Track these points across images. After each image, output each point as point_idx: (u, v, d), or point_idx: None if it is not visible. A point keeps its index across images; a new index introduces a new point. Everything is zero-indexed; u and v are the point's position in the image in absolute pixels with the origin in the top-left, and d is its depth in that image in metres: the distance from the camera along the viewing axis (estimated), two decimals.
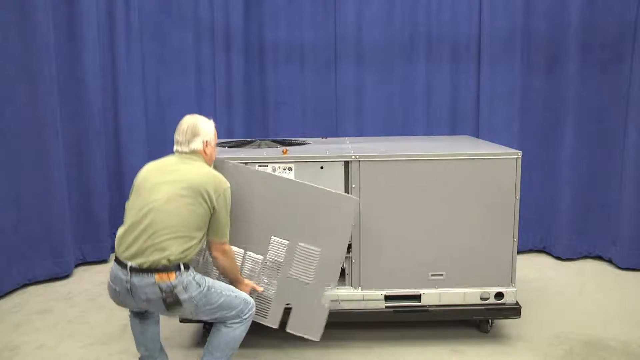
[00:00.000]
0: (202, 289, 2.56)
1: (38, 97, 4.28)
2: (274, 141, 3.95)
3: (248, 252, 3.02)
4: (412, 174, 3.22)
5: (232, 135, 5.53)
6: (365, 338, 3.43)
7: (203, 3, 5.45)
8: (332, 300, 3.28)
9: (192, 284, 2.53)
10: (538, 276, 4.53)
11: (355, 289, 3.31)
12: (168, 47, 5.47)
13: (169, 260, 2.47)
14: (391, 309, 3.29)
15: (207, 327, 3.39)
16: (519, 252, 3.77)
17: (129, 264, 2.48)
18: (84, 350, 3.33)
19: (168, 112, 5.62)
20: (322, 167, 3.23)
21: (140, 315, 2.80)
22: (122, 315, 3.79)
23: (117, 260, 2.55)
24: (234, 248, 2.93)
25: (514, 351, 3.28)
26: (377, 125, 5.25)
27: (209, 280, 2.65)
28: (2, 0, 4.06)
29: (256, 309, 2.83)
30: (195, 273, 2.59)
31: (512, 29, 4.85)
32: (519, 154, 3.22)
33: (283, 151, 3.35)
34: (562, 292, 4.18)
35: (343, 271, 3.38)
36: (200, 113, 5.69)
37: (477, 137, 4.87)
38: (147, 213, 2.52)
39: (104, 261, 4.96)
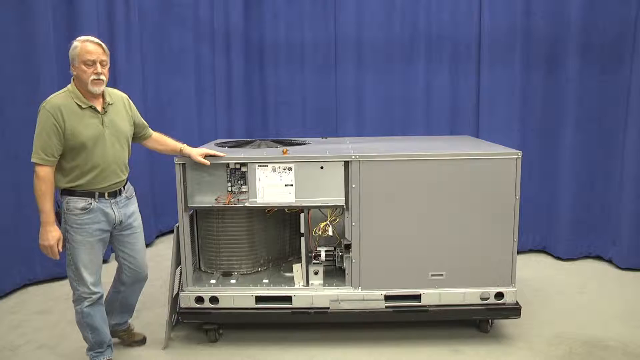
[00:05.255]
0: (67, 228, 2.82)
1: (38, 97, 4.26)
2: (274, 141, 3.95)
3: None
4: (412, 174, 3.22)
5: (232, 135, 5.54)
6: (365, 338, 3.43)
7: (203, 3, 5.46)
8: (332, 300, 3.30)
9: (61, 215, 2.82)
10: (538, 276, 4.53)
11: (355, 289, 3.31)
12: (168, 47, 5.47)
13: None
14: (391, 309, 3.29)
15: (207, 328, 3.40)
16: (519, 252, 3.77)
17: None
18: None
19: (168, 112, 5.62)
20: (322, 167, 3.23)
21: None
22: None
23: None
24: None
25: (514, 351, 3.28)
26: (377, 125, 5.26)
27: (79, 240, 2.83)
28: (2, 0, 4.06)
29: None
30: (71, 214, 2.80)
31: (512, 29, 4.85)
32: (519, 154, 3.22)
33: (283, 151, 3.35)
34: (562, 292, 4.18)
35: (343, 271, 3.39)
36: (200, 113, 5.78)
37: (477, 137, 4.87)
38: None
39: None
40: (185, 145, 3.23)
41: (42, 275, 4.46)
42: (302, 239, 3.31)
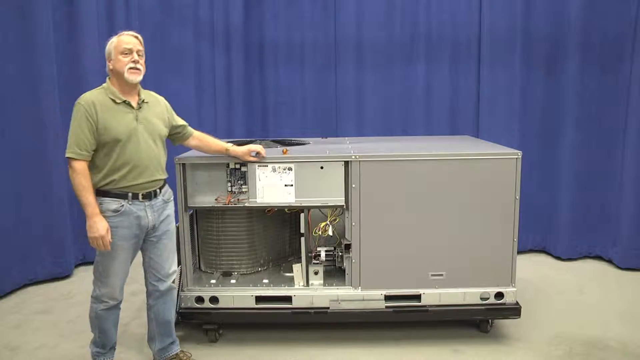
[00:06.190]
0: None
1: (38, 97, 4.28)
2: (274, 141, 3.96)
3: None
4: (412, 174, 3.22)
5: (232, 135, 5.53)
6: (366, 338, 3.43)
7: (203, 3, 5.45)
8: (332, 300, 3.30)
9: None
10: (538, 276, 4.53)
11: (355, 289, 3.31)
12: (168, 47, 5.46)
13: None
14: (391, 309, 3.29)
15: (207, 328, 3.40)
16: (519, 252, 3.77)
17: None
18: (84, 350, 3.32)
19: None
20: (322, 167, 3.23)
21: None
22: (123, 315, 3.78)
23: None
24: None
25: (514, 351, 3.28)
26: (377, 125, 5.25)
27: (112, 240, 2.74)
28: (2, 0, 4.06)
29: None
30: (110, 209, 2.75)
31: (512, 28, 4.85)
32: (519, 154, 3.22)
33: (283, 151, 3.35)
34: (562, 292, 4.18)
35: (343, 271, 3.39)
36: (200, 113, 5.77)
37: (477, 137, 4.87)
38: None
39: None
40: (230, 145, 3.20)
41: (42, 275, 4.46)
42: (302, 239, 3.31)
